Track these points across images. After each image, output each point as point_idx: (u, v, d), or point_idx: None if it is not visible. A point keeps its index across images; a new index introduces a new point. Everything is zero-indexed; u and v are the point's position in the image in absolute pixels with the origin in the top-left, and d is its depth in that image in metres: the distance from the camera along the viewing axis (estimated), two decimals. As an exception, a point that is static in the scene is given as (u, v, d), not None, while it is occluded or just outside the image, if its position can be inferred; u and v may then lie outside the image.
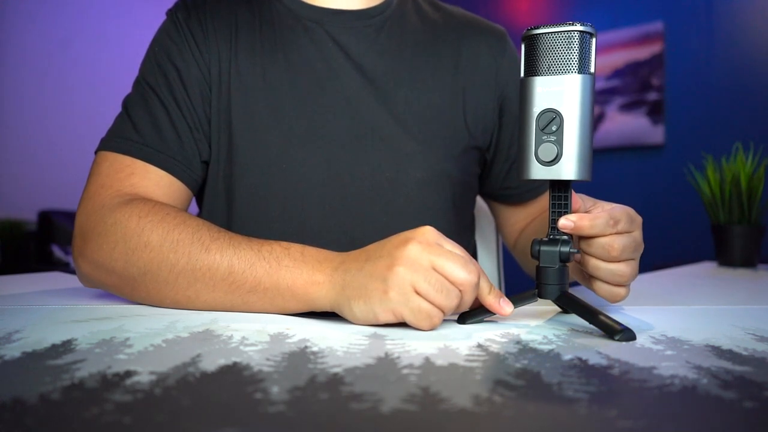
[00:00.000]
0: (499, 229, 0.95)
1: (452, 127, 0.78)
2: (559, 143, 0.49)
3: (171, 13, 0.76)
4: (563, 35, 0.49)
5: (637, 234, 0.55)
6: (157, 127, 0.69)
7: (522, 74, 0.51)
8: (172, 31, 0.74)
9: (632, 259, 0.55)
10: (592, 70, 0.49)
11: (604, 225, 0.51)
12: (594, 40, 0.49)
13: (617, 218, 0.52)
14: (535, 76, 0.50)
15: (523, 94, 0.51)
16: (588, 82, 0.49)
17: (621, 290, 0.56)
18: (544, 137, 0.49)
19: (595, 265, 0.54)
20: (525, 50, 0.51)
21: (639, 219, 0.56)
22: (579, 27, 0.48)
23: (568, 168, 0.49)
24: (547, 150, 0.49)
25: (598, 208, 0.55)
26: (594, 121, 0.49)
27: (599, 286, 0.56)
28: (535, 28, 0.50)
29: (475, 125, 0.79)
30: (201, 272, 0.55)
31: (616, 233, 0.53)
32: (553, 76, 0.49)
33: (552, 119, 0.49)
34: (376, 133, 0.74)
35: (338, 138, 0.73)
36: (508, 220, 0.89)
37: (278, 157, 0.72)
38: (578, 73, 0.48)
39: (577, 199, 0.54)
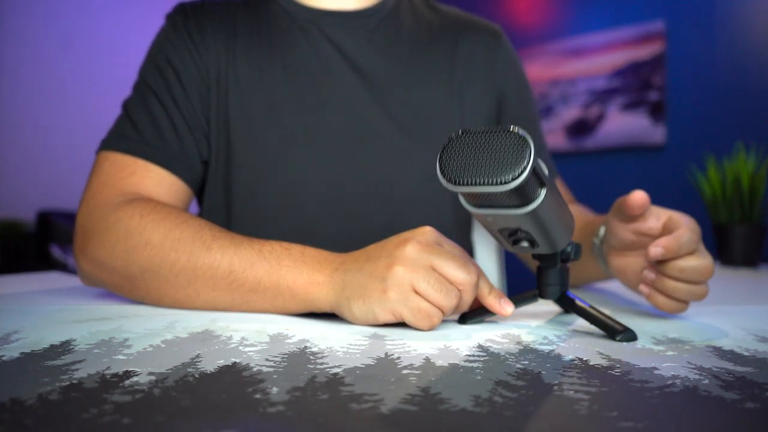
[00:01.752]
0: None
1: (449, 125, 0.78)
2: (531, 241, 0.43)
3: (169, 16, 0.77)
4: (500, 194, 0.36)
5: (702, 246, 0.54)
6: (157, 126, 0.69)
7: (462, 200, 0.41)
8: (171, 34, 0.74)
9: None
10: (544, 190, 0.38)
11: (690, 240, 0.51)
12: (535, 163, 0.35)
13: (696, 231, 0.52)
14: (478, 209, 0.40)
15: (473, 214, 0.41)
16: (544, 203, 0.38)
17: (703, 287, 0.55)
18: (513, 238, 0.43)
19: (675, 288, 0.53)
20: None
21: (698, 228, 0.54)
22: (517, 181, 0.34)
23: (547, 248, 0.45)
24: (523, 248, 0.44)
25: (672, 222, 0.53)
26: (562, 208, 0.43)
27: (676, 305, 0.54)
28: (454, 181, 0.37)
29: (473, 122, 0.80)
30: (201, 271, 0.55)
31: (695, 252, 0.52)
32: (500, 212, 0.39)
33: (516, 231, 0.42)
34: (372, 131, 0.75)
35: (335, 137, 0.74)
36: None
37: (275, 156, 0.72)
38: (529, 205, 0.38)
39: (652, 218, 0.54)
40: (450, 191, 0.78)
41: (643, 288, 0.56)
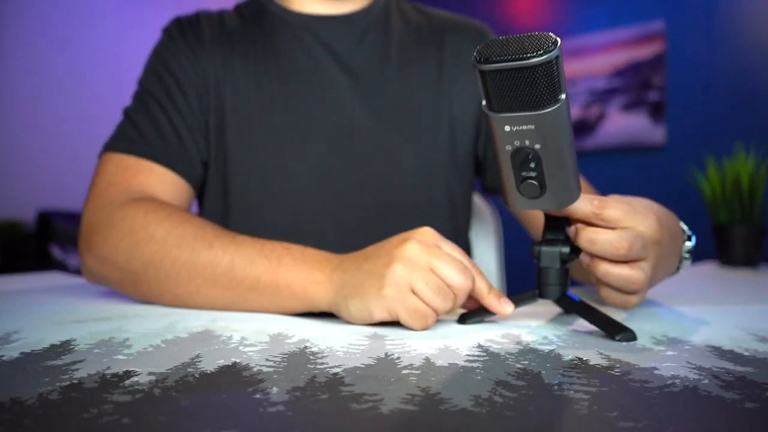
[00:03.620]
0: (526, 231, 0.92)
1: (439, 121, 0.80)
2: (540, 180, 0.43)
3: (166, 30, 0.79)
4: (524, 72, 0.38)
5: (645, 263, 0.48)
6: (158, 128, 0.71)
7: (483, 105, 0.42)
8: (169, 43, 0.77)
9: (643, 261, 0.48)
10: (563, 95, 0.40)
11: (608, 250, 0.47)
12: (560, 57, 0.39)
13: (624, 244, 0.46)
14: (499, 113, 0.41)
15: (489, 127, 0.43)
16: (561, 110, 0.40)
17: (632, 298, 0.50)
18: (524, 173, 0.43)
19: (605, 270, 0.48)
20: (480, 82, 0.41)
21: (655, 239, 0.48)
22: (542, 57, 0.37)
23: (554, 200, 0.45)
24: (530, 188, 0.44)
25: (611, 209, 0.47)
26: (574, 142, 0.44)
27: (608, 292, 0.51)
28: (486, 60, 0.39)
29: (463, 118, 0.82)
30: (203, 267, 0.55)
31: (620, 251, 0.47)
32: (519, 114, 0.40)
33: (528, 156, 0.42)
34: (364, 130, 0.76)
35: (328, 136, 0.75)
36: (525, 212, 0.87)
37: (270, 157, 0.74)
38: (549, 106, 0.39)
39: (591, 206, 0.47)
40: (441, 184, 0.79)
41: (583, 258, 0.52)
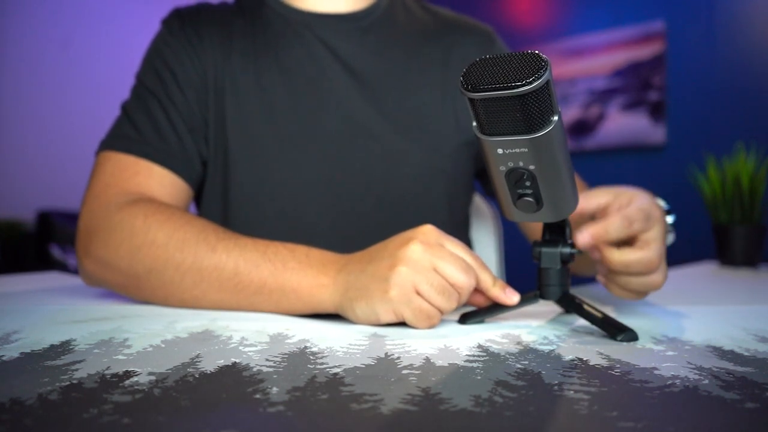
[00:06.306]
0: (524, 235, 0.92)
1: (442, 125, 0.79)
2: (536, 196, 0.43)
3: (165, 21, 0.78)
4: (514, 100, 0.38)
5: (653, 233, 0.52)
6: (157, 127, 0.70)
7: (474, 127, 0.42)
8: (168, 37, 0.75)
9: (650, 232, 0.53)
10: (556, 116, 0.39)
11: (620, 227, 0.50)
12: (551, 81, 0.38)
13: (632, 218, 0.51)
14: (491, 136, 0.41)
15: (482, 149, 0.42)
16: (555, 131, 0.39)
17: (656, 276, 0.54)
18: (520, 191, 0.43)
19: (626, 281, 0.53)
20: (470, 106, 0.41)
21: (656, 213, 0.53)
22: (532, 84, 0.36)
23: (552, 213, 0.45)
24: (526, 204, 0.44)
25: (615, 204, 0.53)
26: (569, 157, 0.44)
27: (629, 280, 0.54)
28: (473, 87, 0.38)
29: (467, 122, 0.80)
30: (207, 272, 0.55)
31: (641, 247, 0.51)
32: (512, 138, 0.40)
33: (523, 176, 0.42)
34: (366, 132, 0.75)
35: (330, 138, 0.74)
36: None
37: (271, 158, 0.73)
38: (541, 129, 0.39)
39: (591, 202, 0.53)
40: (442, 188, 0.79)
41: (599, 278, 0.56)
